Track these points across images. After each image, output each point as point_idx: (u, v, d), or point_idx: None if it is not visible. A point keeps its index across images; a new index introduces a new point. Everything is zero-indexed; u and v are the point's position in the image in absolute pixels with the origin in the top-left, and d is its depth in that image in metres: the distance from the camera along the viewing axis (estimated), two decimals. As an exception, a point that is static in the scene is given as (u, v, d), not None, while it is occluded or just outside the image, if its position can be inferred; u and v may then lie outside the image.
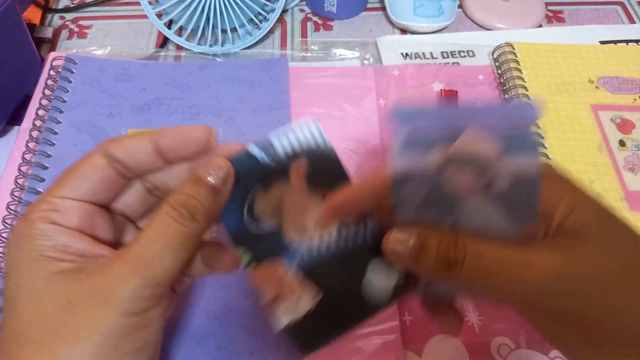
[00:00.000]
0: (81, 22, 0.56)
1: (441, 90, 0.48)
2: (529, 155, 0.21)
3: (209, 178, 0.23)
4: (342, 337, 0.24)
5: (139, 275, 0.21)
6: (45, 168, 0.42)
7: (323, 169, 0.25)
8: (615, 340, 0.21)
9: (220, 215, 0.24)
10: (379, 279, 0.25)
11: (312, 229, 0.25)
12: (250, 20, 0.53)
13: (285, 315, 0.24)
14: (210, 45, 0.51)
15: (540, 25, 0.57)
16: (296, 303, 0.24)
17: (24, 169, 0.41)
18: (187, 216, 0.22)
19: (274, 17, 0.51)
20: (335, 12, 0.56)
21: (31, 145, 0.43)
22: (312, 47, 0.54)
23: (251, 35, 0.52)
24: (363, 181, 0.24)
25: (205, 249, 0.26)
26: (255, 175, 0.25)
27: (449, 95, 0.47)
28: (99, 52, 0.51)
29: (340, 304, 0.24)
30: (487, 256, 0.21)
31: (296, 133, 0.25)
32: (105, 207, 0.25)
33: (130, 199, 0.26)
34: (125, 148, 0.24)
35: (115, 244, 0.25)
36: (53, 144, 0.43)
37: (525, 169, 0.21)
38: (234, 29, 0.52)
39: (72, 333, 0.20)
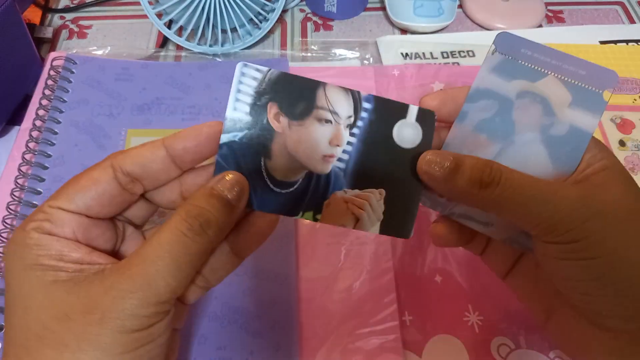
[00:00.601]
0: (81, 22, 0.56)
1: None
2: (592, 114, 0.25)
3: (225, 193, 0.22)
4: (421, 202, 0.26)
5: (140, 293, 0.20)
6: (45, 168, 0.42)
7: (291, 95, 0.24)
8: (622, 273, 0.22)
9: (254, 206, 0.24)
10: (408, 139, 0.25)
11: (331, 149, 0.25)
12: (250, 20, 0.53)
13: (373, 225, 0.25)
14: (210, 45, 0.51)
15: (540, 25, 0.57)
16: (372, 211, 0.25)
17: (24, 169, 0.41)
18: (198, 230, 0.21)
19: (274, 17, 0.51)
20: (335, 12, 0.56)
21: (31, 145, 0.43)
22: (312, 47, 0.53)
23: (251, 35, 0.52)
24: (452, 89, 0.26)
25: (233, 239, 0.25)
26: (250, 153, 0.24)
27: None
28: (99, 52, 0.51)
29: (400, 182, 0.25)
30: (522, 181, 0.23)
31: (241, 89, 0.24)
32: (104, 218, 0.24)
33: (132, 207, 0.25)
34: (136, 158, 0.23)
35: (115, 252, 0.25)
36: (53, 144, 0.43)
37: (584, 125, 0.25)
38: (233, 29, 0.52)
39: (69, 346, 0.20)
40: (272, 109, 0.24)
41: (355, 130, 0.25)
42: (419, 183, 0.25)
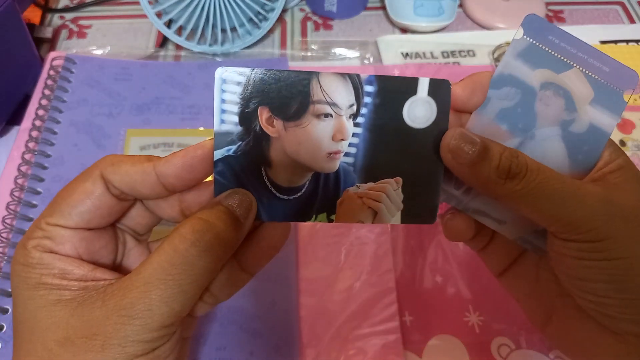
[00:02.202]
0: (81, 22, 0.56)
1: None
2: (611, 114, 0.24)
3: (235, 207, 0.21)
4: (443, 184, 0.24)
5: (141, 320, 0.19)
6: (45, 168, 0.42)
7: (282, 93, 0.22)
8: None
9: (262, 218, 0.23)
10: (421, 118, 0.23)
11: (335, 144, 0.23)
12: (250, 20, 0.53)
13: (393, 216, 0.24)
14: (210, 45, 0.51)
15: (541, 25, 0.57)
16: (390, 202, 0.23)
17: (23, 169, 0.41)
18: (204, 246, 0.20)
19: (273, 16, 0.51)
20: (335, 11, 0.56)
21: (31, 145, 0.42)
22: (312, 46, 0.53)
23: (251, 35, 0.52)
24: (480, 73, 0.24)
25: (241, 255, 0.24)
26: (248, 165, 0.23)
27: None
28: (99, 52, 0.51)
29: (418, 166, 0.23)
30: (547, 174, 0.22)
31: (225, 98, 0.22)
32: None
33: (133, 214, 0.24)
34: (125, 178, 0.22)
35: (119, 265, 0.24)
36: (53, 144, 0.43)
37: (603, 124, 0.24)
38: (233, 29, 0.52)
39: None
40: (263, 114, 0.22)
41: (359, 119, 0.23)
42: (440, 163, 0.23)
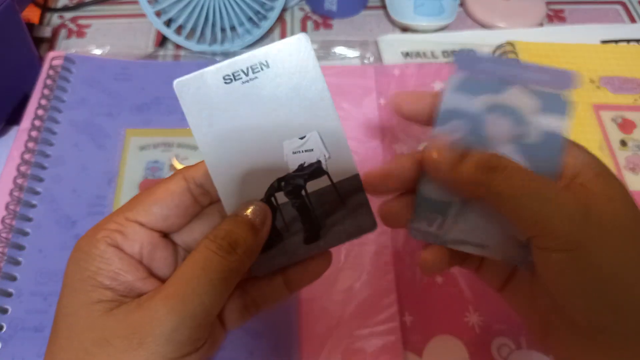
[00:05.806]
0: (80, 22, 0.56)
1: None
2: (560, 116, 0.24)
3: (247, 214, 0.23)
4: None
5: (176, 314, 0.20)
6: (44, 168, 0.42)
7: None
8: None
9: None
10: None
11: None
12: (250, 19, 0.52)
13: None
14: (210, 45, 0.51)
15: (542, 24, 0.57)
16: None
17: (22, 169, 0.41)
18: (227, 248, 0.22)
19: (273, 16, 0.51)
20: (335, 10, 0.56)
21: (30, 145, 0.42)
22: (312, 46, 0.53)
23: (251, 34, 0.52)
24: (425, 94, 0.26)
25: (288, 274, 0.26)
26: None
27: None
28: (98, 52, 0.51)
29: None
30: (528, 173, 0.23)
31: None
32: (170, 240, 0.25)
33: (195, 234, 0.26)
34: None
35: None
36: (52, 144, 0.43)
37: (555, 128, 0.24)
38: (233, 28, 0.52)
39: None
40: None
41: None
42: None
